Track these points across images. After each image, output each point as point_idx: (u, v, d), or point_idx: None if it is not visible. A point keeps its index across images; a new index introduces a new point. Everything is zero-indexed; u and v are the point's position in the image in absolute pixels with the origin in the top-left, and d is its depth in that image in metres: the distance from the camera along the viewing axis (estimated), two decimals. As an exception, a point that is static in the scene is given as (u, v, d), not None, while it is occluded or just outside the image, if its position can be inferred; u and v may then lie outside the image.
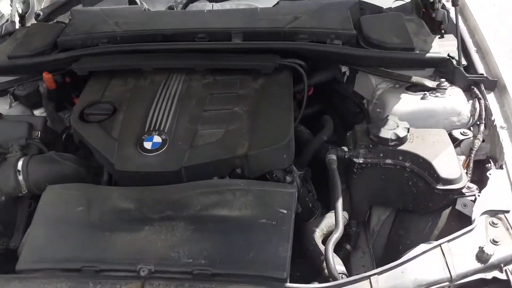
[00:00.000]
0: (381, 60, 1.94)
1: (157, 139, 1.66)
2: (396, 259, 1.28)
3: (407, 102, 1.84)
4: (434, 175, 1.53)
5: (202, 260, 1.26)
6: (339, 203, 1.53)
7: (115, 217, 1.40)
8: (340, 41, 1.97)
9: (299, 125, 2.05)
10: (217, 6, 2.42)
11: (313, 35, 2.01)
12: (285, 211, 1.39)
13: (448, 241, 1.29)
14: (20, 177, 1.60)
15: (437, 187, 1.51)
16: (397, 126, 1.62)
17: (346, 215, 1.66)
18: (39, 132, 1.80)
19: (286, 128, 1.66)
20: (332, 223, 1.59)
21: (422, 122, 1.79)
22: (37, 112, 2.02)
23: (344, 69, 2.09)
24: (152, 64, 1.95)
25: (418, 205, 1.64)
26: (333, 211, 1.62)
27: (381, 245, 1.82)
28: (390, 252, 1.72)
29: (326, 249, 1.39)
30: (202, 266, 1.24)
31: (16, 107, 1.99)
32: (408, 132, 1.62)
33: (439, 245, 1.28)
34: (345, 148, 1.66)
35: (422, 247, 1.28)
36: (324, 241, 1.52)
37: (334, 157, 1.65)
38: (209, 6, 2.41)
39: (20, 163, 1.62)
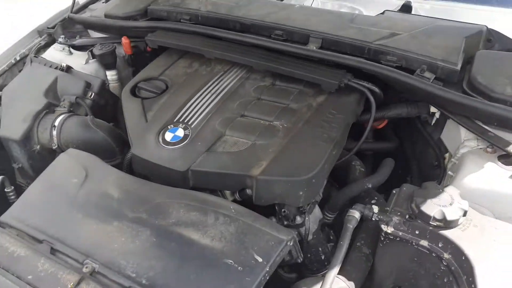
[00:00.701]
0: (478, 112, 1.49)
1: (180, 132, 1.55)
2: None
3: (490, 176, 1.39)
4: (471, 285, 1.12)
5: (144, 280, 1.13)
6: (333, 272, 1.24)
7: (97, 201, 1.35)
8: (432, 75, 1.58)
9: (354, 159, 1.74)
10: (317, 2, 2.16)
11: (404, 59, 1.64)
12: (260, 259, 1.17)
13: None
14: (54, 132, 1.67)
15: (468, 303, 1.11)
16: (451, 204, 1.23)
17: (353, 286, 1.34)
18: (93, 93, 1.85)
19: (315, 162, 1.40)
20: None
21: (500, 208, 1.34)
22: (109, 73, 2.09)
23: (434, 109, 1.69)
24: (211, 52, 1.83)
25: (449, 311, 1.24)
26: (339, 276, 1.33)
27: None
28: None
29: None
30: (140, 286, 1.12)
31: (92, 64, 2.09)
32: (463, 215, 1.22)
33: None
34: (375, 208, 1.33)
35: None
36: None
37: (357, 215, 1.34)
38: (308, 2, 2.17)
39: (58, 119, 1.68)
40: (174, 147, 1.51)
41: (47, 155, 1.75)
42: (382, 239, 1.32)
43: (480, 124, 1.53)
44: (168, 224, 1.26)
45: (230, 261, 1.17)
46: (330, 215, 1.57)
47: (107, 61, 2.06)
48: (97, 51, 2.04)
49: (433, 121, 1.75)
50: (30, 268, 1.17)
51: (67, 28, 2.22)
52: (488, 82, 1.52)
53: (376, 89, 1.63)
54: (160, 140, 1.54)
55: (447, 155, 1.66)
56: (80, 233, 1.26)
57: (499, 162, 1.43)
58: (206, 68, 1.87)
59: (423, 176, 1.76)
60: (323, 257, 1.51)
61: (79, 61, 2.06)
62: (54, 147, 1.69)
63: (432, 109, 1.69)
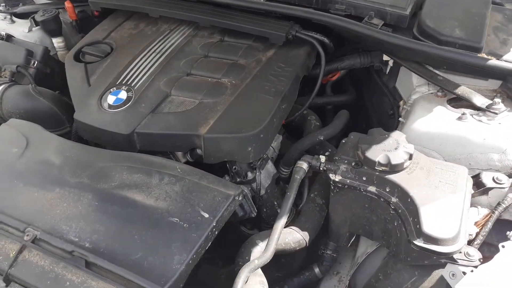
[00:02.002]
0: (428, 56, 1.46)
1: (122, 95, 1.50)
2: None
3: (438, 119, 1.38)
4: (416, 226, 1.13)
5: (87, 243, 1.10)
6: (280, 223, 1.23)
7: (38, 169, 1.30)
8: (381, 22, 1.54)
9: (310, 114, 1.72)
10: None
11: (353, 7, 1.60)
12: (206, 215, 1.15)
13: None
14: (-7, 101, 1.59)
15: (414, 242, 1.12)
16: (396, 148, 1.22)
17: (307, 237, 1.34)
18: (36, 62, 1.76)
19: (262, 117, 1.36)
20: (285, 241, 1.31)
21: (448, 150, 1.34)
22: (55, 41, 1.99)
23: (387, 57, 1.66)
24: (158, 11, 1.75)
25: (399, 253, 1.25)
26: (293, 227, 1.33)
27: (362, 281, 1.47)
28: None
29: (237, 275, 1.12)
30: (83, 249, 1.09)
31: (36, 32, 1.98)
32: (409, 159, 1.21)
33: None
34: (322, 158, 1.31)
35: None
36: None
37: (304, 166, 1.32)
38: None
39: (-1, 90, 1.61)
40: (116, 110, 1.46)
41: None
42: (332, 188, 1.31)
43: (430, 68, 1.51)
44: (111, 187, 1.22)
45: (175, 219, 1.14)
46: (285, 170, 1.55)
47: (51, 27, 1.95)
48: (39, 17, 1.93)
49: (387, 70, 1.72)
50: (-32, 240, 1.13)
51: (11, -5, 2.10)
52: (437, 25, 1.50)
53: (326, 40, 1.58)
54: (103, 103, 1.48)
55: (401, 102, 1.65)
56: (20, 202, 1.21)
57: (449, 106, 1.42)
58: (152, 28, 1.79)
59: (381, 126, 1.75)
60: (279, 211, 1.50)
61: (22, 29, 1.95)
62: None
63: (385, 57, 1.66)
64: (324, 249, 1.49)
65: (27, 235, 1.12)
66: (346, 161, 1.27)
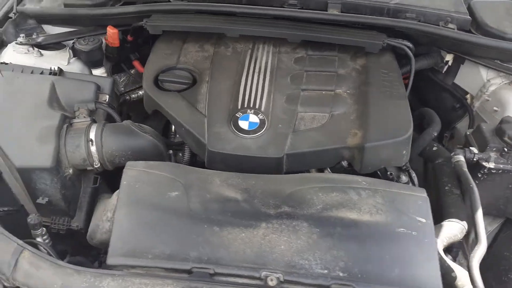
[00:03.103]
0: (501, 52, 1.69)
1: (253, 118, 1.41)
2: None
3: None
4: None
5: (339, 272, 1.03)
6: (480, 213, 1.30)
7: (222, 208, 1.15)
8: (454, 26, 1.72)
9: None
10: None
11: (422, 15, 1.75)
12: (423, 220, 1.16)
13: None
14: (93, 148, 1.34)
15: None
16: (536, 130, 1.39)
17: (466, 225, 1.43)
18: (108, 96, 1.53)
19: (407, 120, 1.42)
20: (453, 234, 1.37)
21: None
22: (97, 72, 1.74)
23: (448, 57, 1.85)
24: (239, 30, 1.68)
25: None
26: (452, 219, 1.40)
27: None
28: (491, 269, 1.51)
29: (470, 267, 1.16)
30: (341, 279, 1.01)
31: (74, 63, 1.70)
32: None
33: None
34: (475, 150, 1.43)
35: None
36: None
37: (462, 158, 1.42)
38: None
39: (93, 132, 1.36)
40: (257, 135, 1.37)
41: (77, 180, 1.41)
42: (479, 176, 1.43)
43: (499, 62, 1.74)
44: (319, 211, 1.15)
45: (402, 229, 1.13)
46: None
47: (96, 57, 1.71)
48: (83, 47, 1.67)
49: (445, 69, 1.92)
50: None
51: (19, 26, 1.76)
52: (497, 26, 1.74)
53: (411, 45, 1.71)
54: (237, 130, 1.37)
55: (468, 96, 1.85)
56: (231, 247, 1.07)
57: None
58: (226, 50, 1.70)
59: (443, 119, 1.91)
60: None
61: (57, 62, 1.66)
62: (95, 166, 1.36)
63: (447, 57, 1.85)
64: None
65: (271, 280, 1.00)
66: (494, 149, 1.41)
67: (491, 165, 1.39)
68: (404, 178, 1.46)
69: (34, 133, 1.34)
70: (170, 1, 1.78)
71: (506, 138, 1.41)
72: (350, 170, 1.44)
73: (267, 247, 1.07)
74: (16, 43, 1.69)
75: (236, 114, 1.42)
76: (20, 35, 1.69)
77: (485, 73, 1.78)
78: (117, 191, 1.23)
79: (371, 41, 1.65)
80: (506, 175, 1.41)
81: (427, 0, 1.80)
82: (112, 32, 1.72)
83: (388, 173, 1.44)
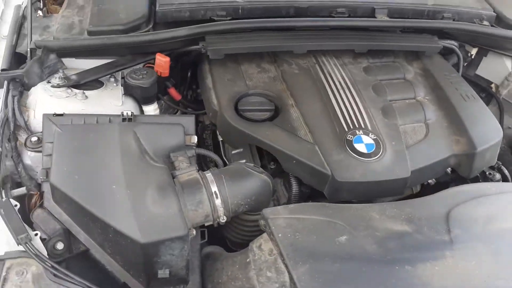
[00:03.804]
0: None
1: (367, 139, 1.36)
2: None
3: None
4: None
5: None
6: None
7: (400, 245, 1.09)
8: (487, 22, 1.84)
9: None
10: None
11: (457, 14, 1.83)
12: None
13: None
14: (218, 201, 1.17)
15: None
16: None
17: None
18: (195, 137, 1.34)
19: (495, 121, 1.50)
20: None
21: None
22: (150, 109, 1.51)
23: (473, 51, 1.97)
24: (307, 45, 1.59)
25: None
26: None
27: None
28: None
29: None
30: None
31: (126, 102, 1.46)
32: None
33: None
34: None
35: None
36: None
37: None
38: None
39: (213, 182, 1.18)
40: (378, 156, 1.32)
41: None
42: None
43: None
44: (486, 226, 1.16)
45: None
46: None
47: (151, 93, 1.48)
48: (140, 82, 1.43)
49: (466, 62, 2.04)
50: None
51: (44, 63, 1.44)
52: (517, 20, 1.90)
53: (457, 44, 1.78)
54: (357, 155, 1.31)
55: (493, 85, 2.00)
56: (430, 285, 1.02)
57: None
58: (290, 66, 1.61)
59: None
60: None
61: (105, 103, 1.41)
62: (222, 221, 1.19)
63: (473, 51, 1.97)
64: None
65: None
66: None
67: None
68: (498, 176, 1.53)
69: (144, 197, 1.13)
70: (215, 19, 1.61)
71: None
72: (454, 176, 1.48)
73: (464, 276, 1.04)
74: (52, 86, 1.39)
75: (348, 137, 1.35)
76: (55, 76, 1.40)
77: (509, 63, 1.94)
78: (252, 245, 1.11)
79: (430, 45, 1.69)
80: None
81: (457, 0, 1.89)
82: (164, 61, 1.50)
83: (487, 173, 1.51)
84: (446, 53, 1.83)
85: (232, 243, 1.42)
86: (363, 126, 1.39)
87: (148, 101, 1.50)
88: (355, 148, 1.33)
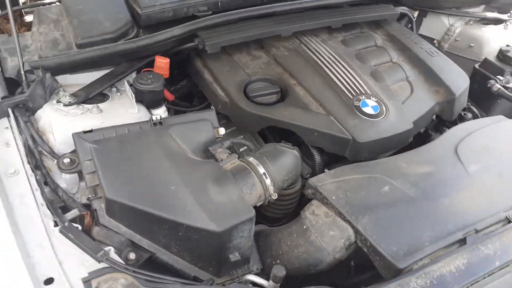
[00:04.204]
0: (456, 1, 2.15)
1: (371, 103, 1.53)
2: None
3: (498, 35, 2.12)
4: None
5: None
6: None
7: (433, 183, 1.28)
8: (425, -14, 2.10)
9: None
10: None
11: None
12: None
13: None
14: (268, 181, 1.25)
15: None
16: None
17: None
18: (223, 129, 1.40)
19: (460, 69, 1.75)
20: None
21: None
22: (159, 112, 1.52)
23: (415, 14, 2.23)
24: (293, 27, 1.71)
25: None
26: None
27: None
28: None
29: None
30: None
31: (141, 109, 1.46)
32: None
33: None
34: (501, 77, 1.84)
35: None
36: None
37: (498, 86, 1.82)
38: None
39: (259, 165, 1.26)
40: (384, 115, 1.50)
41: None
42: None
43: (455, 9, 2.21)
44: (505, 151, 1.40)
45: None
46: None
47: (160, 96, 1.49)
48: (151, 86, 1.43)
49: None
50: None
51: (45, 84, 1.38)
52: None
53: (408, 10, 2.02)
54: (368, 117, 1.48)
55: (435, 41, 2.29)
56: (466, 208, 1.22)
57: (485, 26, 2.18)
58: (278, 50, 1.72)
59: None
60: None
61: (120, 113, 1.40)
62: (273, 198, 1.28)
63: (415, 14, 2.24)
64: None
65: (513, 216, 1.21)
66: (510, 73, 1.86)
67: (515, 85, 1.84)
68: (469, 115, 1.79)
69: (205, 190, 1.17)
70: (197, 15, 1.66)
71: (515, 63, 1.87)
72: (436, 122, 1.72)
73: (487, 195, 1.26)
74: (65, 105, 1.35)
75: (355, 104, 1.50)
76: (65, 95, 1.36)
77: (446, 20, 2.24)
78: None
79: (390, 13, 1.90)
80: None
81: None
82: (164, 63, 1.52)
83: (462, 113, 1.76)
84: (399, 18, 2.06)
85: (269, 219, 1.51)
86: (363, 92, 1.55)
87: (158, 104, 1.51)
88: (364, 112, 1.48)
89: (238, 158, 1.31)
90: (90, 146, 1.22)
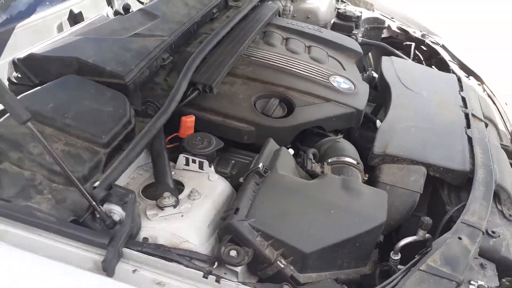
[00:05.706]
0: None
1: (341, 79, 1.86)
2: None
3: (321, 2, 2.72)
4: None
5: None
6: None
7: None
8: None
9: None
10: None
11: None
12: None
13: None
14: (360, 166, 1.48)
15: None
16: None
17: None
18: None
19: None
20: None
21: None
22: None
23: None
24: (246, 43, 1.82)
25: None
26: None
27: None
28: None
29: None
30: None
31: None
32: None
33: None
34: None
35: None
36: None
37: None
38: None
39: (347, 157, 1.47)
40: (355, 86, 1.85)
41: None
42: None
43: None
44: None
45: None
46: None
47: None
48: (213, 146, 1.33)
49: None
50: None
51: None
52: None
53: None
54: (351, 91, 1.80)
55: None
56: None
57: None
58: (240, 70, 1.78)
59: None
60: None
61: (205, 188, 1.27)
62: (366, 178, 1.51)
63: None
64: None
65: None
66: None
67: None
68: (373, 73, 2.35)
69: (352, 201, 1.30)
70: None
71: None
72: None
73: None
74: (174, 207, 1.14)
75: (334, 85, 1.79)
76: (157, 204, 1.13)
77: (279, 2, 2.69)
78: None
79: (272, 11, 2.21)
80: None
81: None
82: (190, 121, 1.42)
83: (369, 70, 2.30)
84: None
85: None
86: (329, 73, 1.86)
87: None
88: (344, 88, 1.80)
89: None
90: (249, 223, 1.14)
